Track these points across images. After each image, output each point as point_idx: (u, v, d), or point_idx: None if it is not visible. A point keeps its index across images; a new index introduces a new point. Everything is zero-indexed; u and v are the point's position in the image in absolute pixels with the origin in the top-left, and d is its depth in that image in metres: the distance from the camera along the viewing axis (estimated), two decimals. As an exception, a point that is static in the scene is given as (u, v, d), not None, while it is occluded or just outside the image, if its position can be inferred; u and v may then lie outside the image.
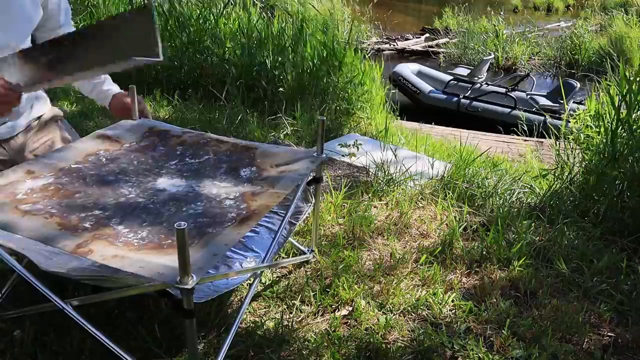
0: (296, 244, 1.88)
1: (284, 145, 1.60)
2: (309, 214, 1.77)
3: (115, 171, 1.43)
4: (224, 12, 4.39)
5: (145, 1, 1.22)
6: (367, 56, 4.33)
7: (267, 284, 1.76)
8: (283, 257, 1.87)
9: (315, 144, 1.59)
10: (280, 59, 4.01)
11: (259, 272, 1.56)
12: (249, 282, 1.62)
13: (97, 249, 1.07)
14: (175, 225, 0.91)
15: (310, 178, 1.61)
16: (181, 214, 1.24)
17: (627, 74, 2.48)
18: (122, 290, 1.19)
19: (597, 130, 2.64)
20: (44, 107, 1.71)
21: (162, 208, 1.26)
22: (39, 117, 1.68)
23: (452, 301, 1.74)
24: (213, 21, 4.30)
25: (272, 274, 1.81)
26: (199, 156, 1.55)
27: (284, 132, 3.26)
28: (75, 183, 1.35)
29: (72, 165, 1.44)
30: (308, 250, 1.86)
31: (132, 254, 1.06)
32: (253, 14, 4.52)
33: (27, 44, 1.56)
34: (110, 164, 1.47)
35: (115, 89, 1.74)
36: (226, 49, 4.23)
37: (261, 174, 1.45)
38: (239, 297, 1.68)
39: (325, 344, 1.51)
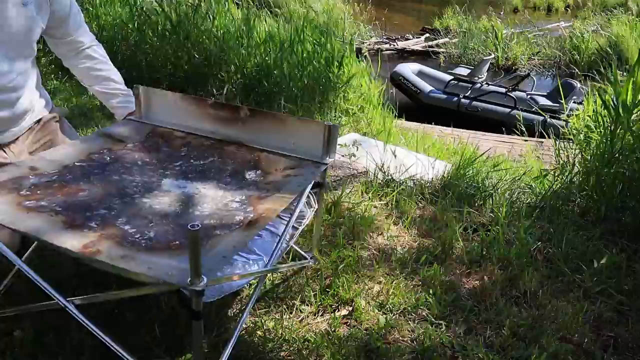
0: (296, 248, 1.87)
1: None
2: (310, 218, 1.77)
3: (119, 171, 1.43)
4: (218, 11, 4.37)
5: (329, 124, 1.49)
6: (366, 56, 4.33)
7: (267, 284, 1.76)
8: (283, 261, 1.87)
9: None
10: (280, 59, 4.00)
11: (263, 275, 1.56)
12: (252, 283, 1.62)
13: (105, 249, 1.06)
14: (189, 226, 0.90)
15: (312, 182, 1.60)
16: (188, 215, 1.23)
17: (618, 77, 2.49)
18: (127, 290, 1.18)
19: (597, 130, 2.64)
20: (45, 109, 1.71)
21: (168, 209, 1.26)
22: (39, 120, 1.68)
23: (452, 301, 1.74)
24: (210, 21, 4.29)
25: (273, 274, 1.81)
26: (204, 158, 1.54)
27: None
28: (79, 181, 1.34)
29: (76, 163, 1.43)
30: (309, 255, 1.84)
31: (140, 254, 1.05)
32: (241, 13, 4.51)
33: (31, 53, 1.57)
34: (114, 163, 1.46)
35: (131, 107, 1.76)
36: (225, 48, 4.22)
37: (266, 177, 1.44)
38: (238, 298, 1.68)
39: (325, 344, 1.51)
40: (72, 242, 1.08)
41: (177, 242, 1.11)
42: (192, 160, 1.52)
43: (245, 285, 1.65)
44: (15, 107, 1.55)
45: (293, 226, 1.65)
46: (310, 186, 1.48)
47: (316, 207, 1.71)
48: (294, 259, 1.86)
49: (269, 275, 1.79)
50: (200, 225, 0.91)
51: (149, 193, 1.33)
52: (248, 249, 1.61)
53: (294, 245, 1.84)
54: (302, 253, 1.86)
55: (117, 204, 1.26)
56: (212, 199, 1.31)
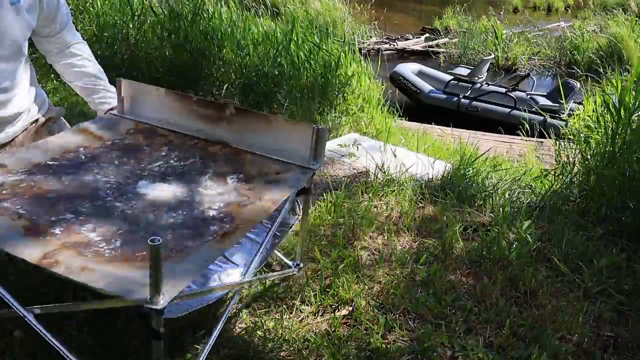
0: (281, 256, 1.80)
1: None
2: (296, 225, 1.68)
3: (93, 171, 1.34)
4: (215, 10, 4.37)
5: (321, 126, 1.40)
6: (366, 56, 4.33)
7: (267, 284, 1.76)
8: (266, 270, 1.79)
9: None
10: (279, 60, 4.00)
11: (238, 288, 1.48)
12: (231, 295, 1.55)
13: (64, 259, 0.99)
14: (149, 240, 0.83)
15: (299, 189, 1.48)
16: (160, 223, 1.16)
17: (620, 77, 2.49)
18: (87, 303, 1.12)
19: (597, 130, 2.64)
20: (42, 110, 1.70)
21: (140, 215, 1.18)
22: (35, 120, 1.67)
23: (452, 301, 1.74)
24: (207, 20, 4.29)
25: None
26: (185, 159, 1.45)
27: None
28: (49, 182, 1.26)
29: (48, 162, 1.34)
30: (294, 264, 1.74)
31: (102, 266, 0.98)
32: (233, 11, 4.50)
33: (22, 53, 1.56)
34: (89, 163, 1.37)
35: (112, 102, 1.72)
36: (223, 48, 4.22)
37: (248, 182, 1.36)
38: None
39: (325, 344, 1.51)
40: (31, 251, 1.00)
41: (144, 253, 1.03)
42: (172, 161, 1.43)
43: (233, 292, 1.58)
44: (8, 107, 1.54)
45: (275, 234, 1.55)
46: (295, 192, 1.40)
47: (301, 214, 1.62)
48: (283, 268, 1.79)
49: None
50: (161, 240, 0.84)
51: (122, 196, 1.25)
52: (224, 257, 1.55)
53: (278, 254, 1.77)
54: (287, 261, 1.77)
55: (86, 208, 1.18)
56: (189, 205, 1.24)
